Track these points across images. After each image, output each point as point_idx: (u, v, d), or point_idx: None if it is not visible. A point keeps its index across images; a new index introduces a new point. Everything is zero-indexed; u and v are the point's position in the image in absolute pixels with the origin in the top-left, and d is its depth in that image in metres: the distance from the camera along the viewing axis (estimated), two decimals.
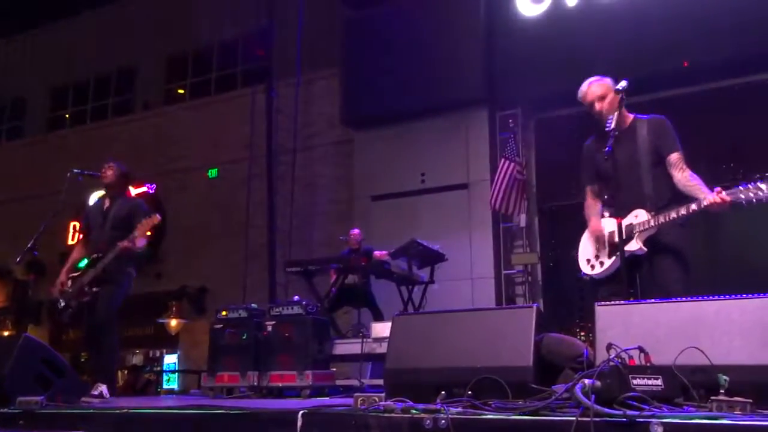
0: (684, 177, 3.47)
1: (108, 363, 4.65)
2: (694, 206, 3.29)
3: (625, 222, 3.45)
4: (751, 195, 3.12)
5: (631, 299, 3.27)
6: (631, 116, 3.69)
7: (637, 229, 3.43)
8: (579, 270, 3.76)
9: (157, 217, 4.67)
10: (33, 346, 4.11)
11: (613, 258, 3.51)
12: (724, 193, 3.19)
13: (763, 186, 3.11)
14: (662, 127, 3.59)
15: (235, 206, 11.78)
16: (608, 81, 3.70)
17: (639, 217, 3.46)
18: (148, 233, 4.69)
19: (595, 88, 3.69)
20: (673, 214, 3.34)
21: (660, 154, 3.54)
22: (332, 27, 11.37)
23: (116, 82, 15.22)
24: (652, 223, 3.41)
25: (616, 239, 3.37)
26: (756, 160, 8.07)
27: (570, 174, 8.90)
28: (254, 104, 11.64)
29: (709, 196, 3.23)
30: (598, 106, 3.65)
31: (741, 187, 3.16)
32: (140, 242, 4.73)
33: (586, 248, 3.74)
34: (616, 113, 3.43)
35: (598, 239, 3.63)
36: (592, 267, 3.65)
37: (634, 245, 3.43)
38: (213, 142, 12.68)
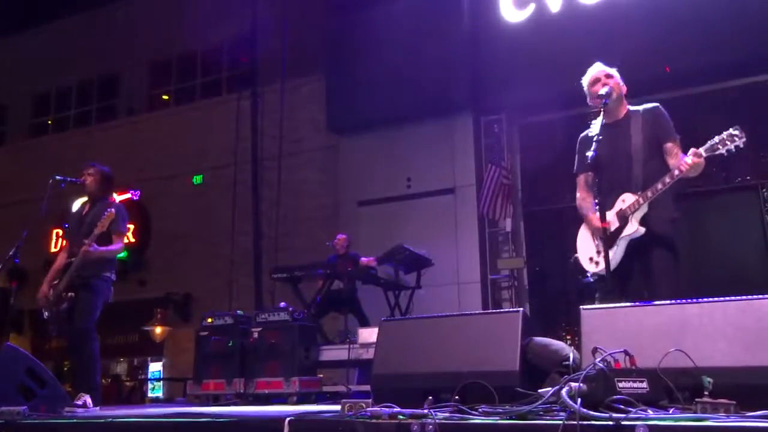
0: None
1: (90, 371, 4.57)
2: (675, 171, 3.32)
3: (615, 209, 3.45)
4: (728, 143, 3.18)
5: (625, 299, 3.26)
6: (626, 108, 3.70)
7: (630, 211, 3.42)
8: (583, 272, 3.65)
9: (112, 212, 4.53)
10: (15, 356, 4.05)
11: (615, 248, 3.45)
12: (701, 151, 3.24)
13: (735, 132, 3.17)
14: (658, 115, 3.60)
15: (221, 212, 11.72)
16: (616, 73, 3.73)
17: (626, 200, 3.46)
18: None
19: (608, 68, 3.73)
20: (659, 185, 3.35)
21: (658, 142, 3.54)
22: (317, 32, 11.37)
23: (99, 88, 15.11)
24: (641, 201, 3.40)
25: (613, 228, 3.39)
26: (737, 163, 8.18)
27: (555, 178, 9.00)
28: (239, 110, 11.60)
29: (685, 160, 3.27)
30: (603, 81, 3.64)
31: (715, 140, 3.22)
32: (117, 244, 4.66)
33: (585, 246, 3.67)
34: (598, 119, 3.46)
35: (597, 233, 3.54)
36: (597, 264, 3.55)
37: (632, 227, 3.42)
38: (198, 148, 12.61)
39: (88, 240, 4.48)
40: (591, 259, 3.61)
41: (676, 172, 3.32)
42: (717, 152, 3.21)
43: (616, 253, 3.46)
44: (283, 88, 11.46)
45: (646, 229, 3.42)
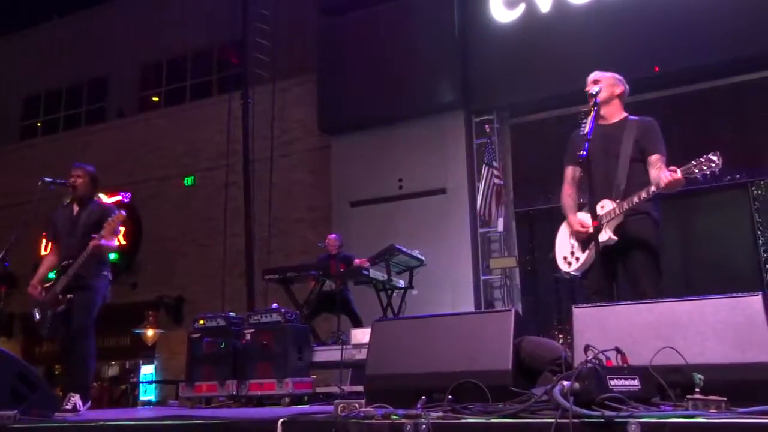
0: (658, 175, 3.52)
1: (84, 370, 4.52)
2: (653, 188, 3.36)
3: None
4: (704, 168, 3.20)
5: (610, 298, 3.30)
6: (624, 114, 3.73)
7: (605, 219, 3.46)
8: (557, 269, 3.74)
9: (122, 213, 4.56)
10: (5, 360, 4.01)
11: (587, 252, 3.52)
12: (678, 171, 3.26)
13: (713, 157, 3.18)
14: (650, 128, 3.64)
15: (212, 214, 11.69)
16: (613, 75, 3.76)
17: (605, 207, 3.49)
18: (121, 237, 4.61)
19: (596, 74, 3.77)
20: (635, 198, 3.40)
21: (643, 152, 3.57)
22: (308, 33, 11.36)
23: (89, 90, 15.03)
24: (617, 211, 3.45)
25: (590, 232, 3.40)
26: (726, 161, 8.22)
27: (547, 178, 9.03)
28: (230, 111, 11.56)
29: (664, 175, 3.29)
30: (588, 87, 3.71)
31: (693, 162, 3.23)
32: (111, 242, 4.64)
33: (562, 245, 3.73)
34: (589, 117, 3.48)
35: (574, 234, 3.63)
36: (569, 264, 3.65)
37: (604, 235, 3.43)
38: (189, 149, 12.57)
39: (98, 235, 4.46)
40: (565, 258, 3.69)
41: (653, 188, 3.36)
42: (692, 175, 3.24)
43: (587, 258, 3.52)
44: (274, 89, 11.44)
45: (624, 234, 3.46)
